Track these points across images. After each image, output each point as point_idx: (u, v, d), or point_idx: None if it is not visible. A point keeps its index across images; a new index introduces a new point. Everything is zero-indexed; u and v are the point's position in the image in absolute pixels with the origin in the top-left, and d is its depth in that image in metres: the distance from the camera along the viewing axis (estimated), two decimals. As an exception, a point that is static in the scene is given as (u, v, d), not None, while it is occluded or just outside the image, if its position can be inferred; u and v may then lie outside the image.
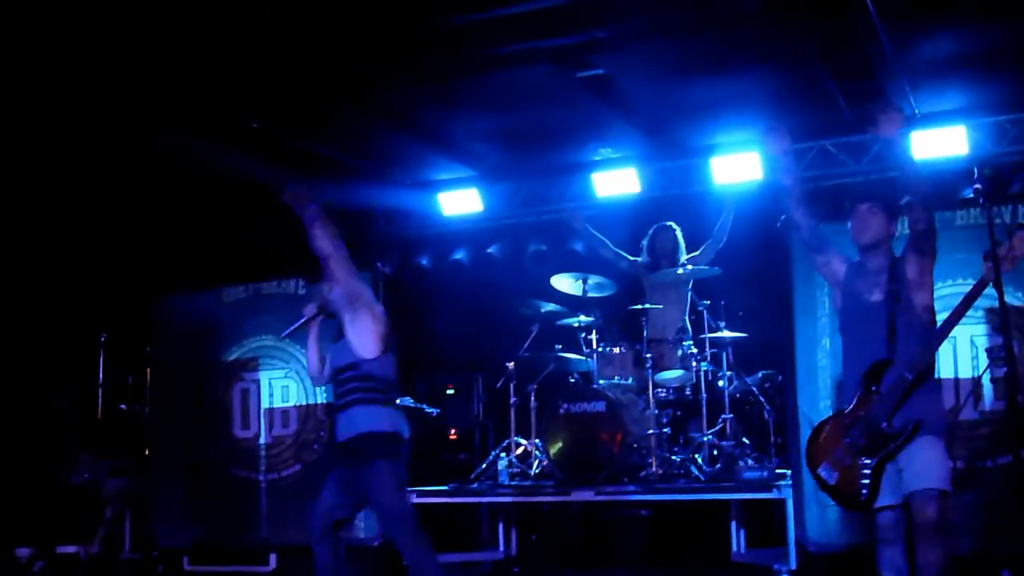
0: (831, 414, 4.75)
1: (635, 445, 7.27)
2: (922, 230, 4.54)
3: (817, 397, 6.30)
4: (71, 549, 8.48)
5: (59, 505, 8.60)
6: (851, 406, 4.51)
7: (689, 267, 7.83)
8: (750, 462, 7.14)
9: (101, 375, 9.21)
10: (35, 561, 8.44)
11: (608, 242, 8.34)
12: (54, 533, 8.57)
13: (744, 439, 7.48)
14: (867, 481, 4.37)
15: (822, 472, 4.53)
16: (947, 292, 5.94)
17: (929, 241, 4.57)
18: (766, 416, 7.57)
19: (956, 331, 5.81)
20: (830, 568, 6.30)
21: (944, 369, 5.93)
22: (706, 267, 7.84)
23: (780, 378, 7.36)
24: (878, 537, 4.46)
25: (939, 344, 4.53)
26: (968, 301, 4.37)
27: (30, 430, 8.79)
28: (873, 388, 4.43)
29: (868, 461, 4.37)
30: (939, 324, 4.49)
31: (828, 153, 8.77)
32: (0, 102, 7.01)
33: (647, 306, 7.72)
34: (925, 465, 4.31)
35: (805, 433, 6.23)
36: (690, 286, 8.11)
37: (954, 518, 5.74)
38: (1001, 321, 4.12)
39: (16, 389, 8.83)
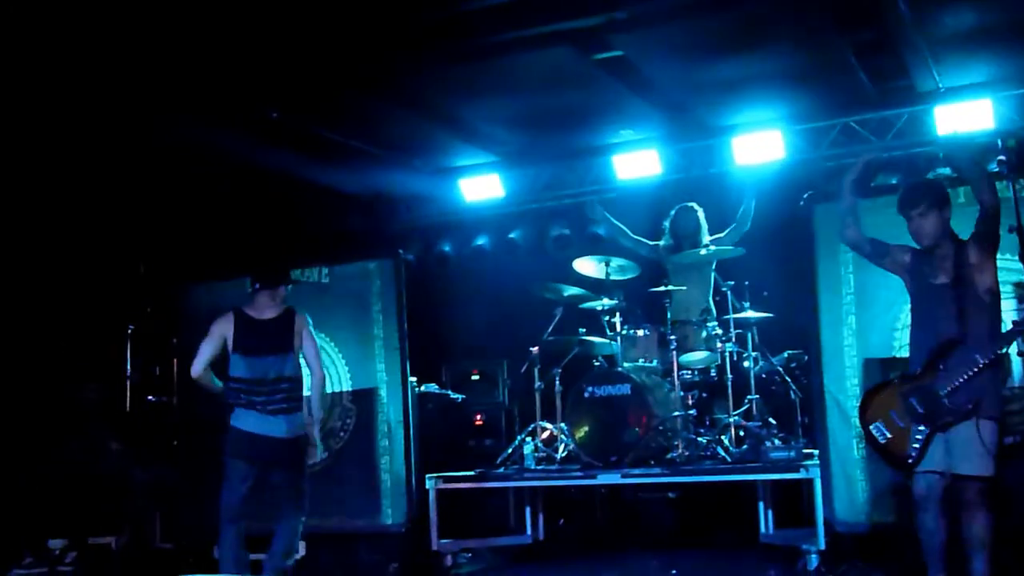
0: (893, 377, 5.05)
1: (661, 427, 7.26)
2: (990, 216, 4.78)
3: (843, 376, 6.27)
4: (103, 540, 8.56)
5: (90, 496, 8.67)
6: (915, 375, 4.83)
7: (712, 248, 7.79)
8: (777, 442, 7.11)
9: (129, 367, 9.28)
10: (67, 552, 8.51)
11: (627, 230, 8.30)
12: (86, 524, 8.64)
13: (770, 419, 7.45)
14: (917, 447, 4.71)
15: (874, 430, 4.90)
16: (974, 267, 5.88)
17: (994, 226, 4.77)
18: (792, 396, 7.54)
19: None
20: (859, 548, 6.27)
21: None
22: (729, 247, 7.80)
23: (806, 358, 7.32)
24: (915, 499, 4.80)
25: (997, 336, 4.77)
26: None
27: (60, 423, 8.86)
28: (941, 363, 4.70)
29: (922, 428, 4.71)
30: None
31: (851, 130, 8.69)
32: (28, 94, 7.06)
33: (670, 288, 7.69)
34: (973, 450, 4.60)
35: (832, 412, 6.25)
36: (713, 267, 8.07)
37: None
38: (1026, 294, 4.06)
39: (45, 382, 8.90)
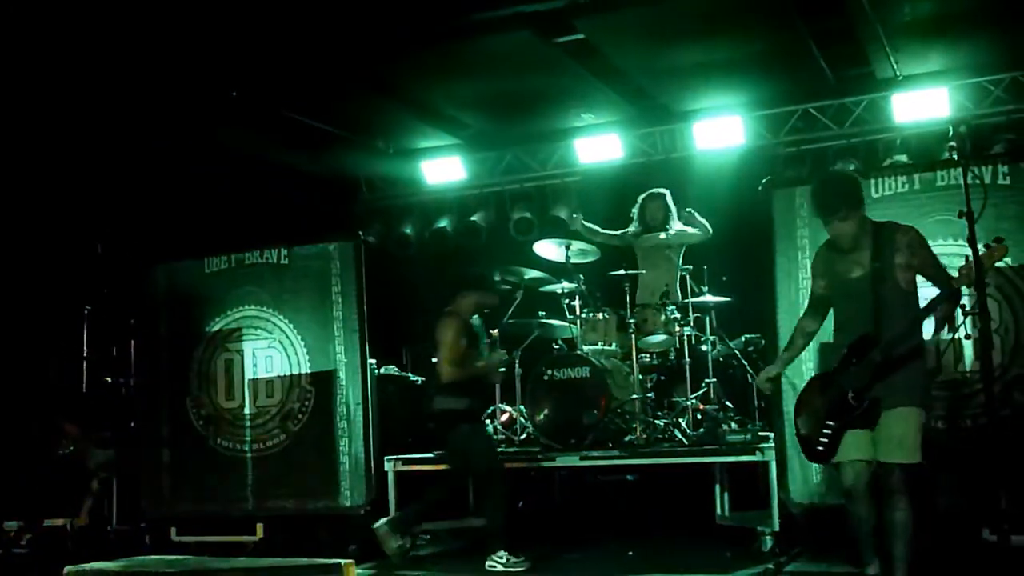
0: (821, 374, 5.04)
1: (619, 410, 7.30)
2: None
3: (799, 361, 6.28)
4: (59, 521, 8.49)
5: (45, 478, 8.60)
6: (835, 370, 4.74)
7: (672, 231, 7.83)
8: (733, 425, 7.18)
9: (86, 347, 9.19)
10: (23, 534, 8.45)
11: (599, 228, 8.28)
12: (41, 506, 8.57)
13: (727, 403, 7.51)
14: (825, 440, 4.68)
15: (799, 422, 4.89)
16: (927, 254, 5.96)
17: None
18: (749, 380, 7.60)
19: (936, 291, 5.88)
20: (813, 529, 6.34)
21: (925, 330, 5.93)
22: (688, 231, 7.83)
23: (763, 342, 7.38)
24: (843, 488, 4.75)
25: (915, 327, 4.63)
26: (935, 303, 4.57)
27: (15, 403, 8.77)
28: (854, 360, 4.62)
29: (831, 423, 4.68)
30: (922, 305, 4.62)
31: (811, 116, 8.78)
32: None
33: (628, 272, 7.71)
34: (893, 437, 4.55)
35: (787, 396, 6.30)
36: (682, 251, 8.05)
37: (937, 479, 5.82)
38: (976, 279, 4.11)
39: (3, 363, 8.80)
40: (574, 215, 8.36)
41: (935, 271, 4.67)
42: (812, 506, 6.22)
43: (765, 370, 5.26)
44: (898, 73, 8.16)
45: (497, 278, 7.29)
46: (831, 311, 4.97)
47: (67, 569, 4.28)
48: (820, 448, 4.72)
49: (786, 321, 6.35)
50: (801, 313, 5.30)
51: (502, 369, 7.06)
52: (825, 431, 4.70)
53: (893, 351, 4.54)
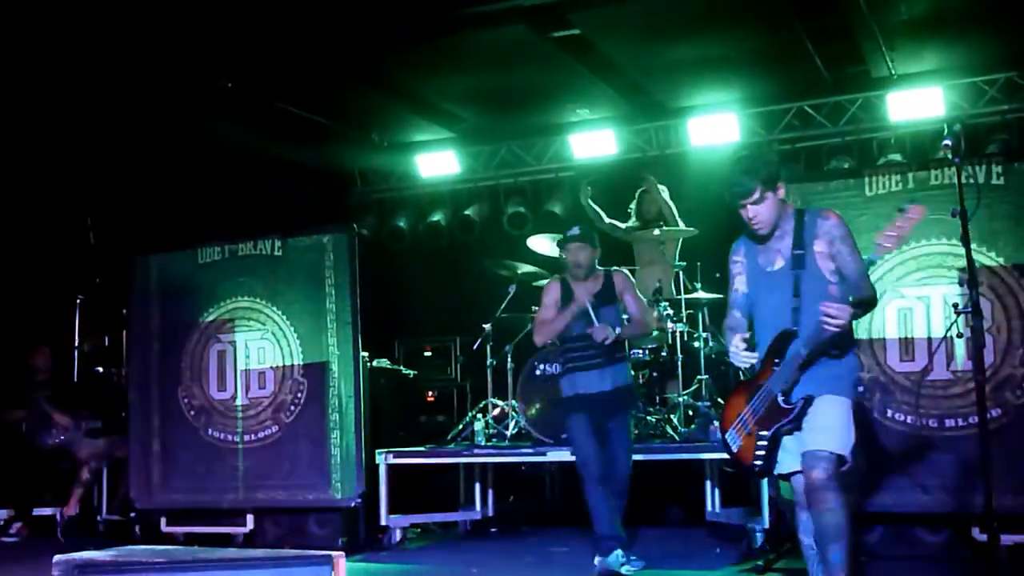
0: (744, 381, 4.50)
1: (611, 406, 7.30)
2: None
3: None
4: (48, 511, 8.49)
5: (36, 467, 8.59)
6: (758, 374, 4.28)
7: (663, 227, 7.82)
8: (725, 422, 7.18)
9: (77, 337, 9.17)
10: (12, 523, 8.45)
11: (603, 214, 8.28)
12: (31, 495, 8.56)
13: (719, 399, 7.51)
14: (762, 452, 4.19)
15: (728, 437, 4.38)
16: (921, 252, 5.97)
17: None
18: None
19: (928, 290, 5.91)
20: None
21: (917, 328, 5.97)
22: (680, 228, 7.83)
23: (756, 340, 7.38)
24: (795, 501, 4.31)
25: (828, 314, 4.02)
26: None
27: (6, 392, 8.75)
28: (776, 360, 4.19)
29: (764, 433, 4.19)
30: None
31: (806, 114, 8.79)
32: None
33: (618, 268, 7.69)
34: (819, 427, 4.13)
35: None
36: (678, 247, 8.05)
37: (923, 478, 5.83)
38: (969, 277, 4.10)
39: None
40: (588, 186, 8.29)
41: (852, 268, 4.15)
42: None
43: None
44: (893, 72, 8.17)
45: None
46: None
47: (56, 558, 4.27)
48: (758, 462, 4.21)
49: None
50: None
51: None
52: (760, 443, 4.20)
53: (818, 345, 4.09)
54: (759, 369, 4.27)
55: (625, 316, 6.32)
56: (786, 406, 4.15)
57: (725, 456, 4.94)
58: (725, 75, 8.24)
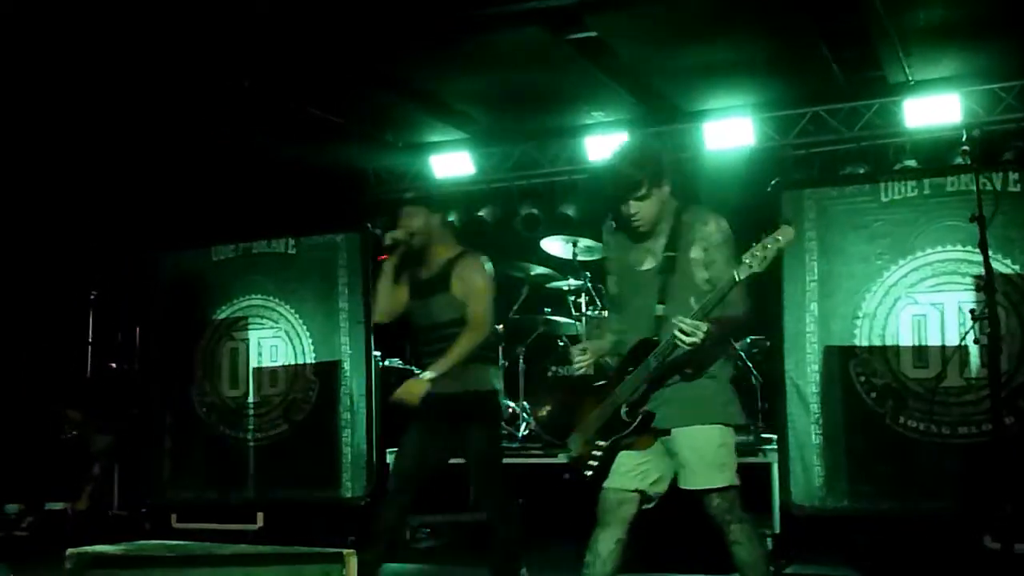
0: (595, 384, 4.13)
1: (622, 408, 7.29)
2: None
3: (804, 362, 6.32)
4: (59, 505, 8.51)
5: (47, 462, 8.62)
6: (610, 380, 4.01)
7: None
8: (736, 426, 7.15)
9: (91, 333, 9.20)
10: (24, 517, 8.47)
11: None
12: (42, 489, 8.59)
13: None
14: (594, 463, 3.95)
15: (570, 441, 4.16)
16: (936, 258, 5.96)
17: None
18: (753, 381, 7.58)
19: (943, 297, 5.89)
20: (814, 532, 6.34)
21: (931, 335, 5.95)
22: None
23: (768, 343, 7.37)
24: (597, 516, 4.03)
25: (681, 330, 3.66)
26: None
27: (20, 387, 8.79)
28: (630, 368, 3.89)
29: (601, 443, 3.94)
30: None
31: (821, 119, 8.76)
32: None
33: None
34: (689, 463, 3.89)
35: (792, 398, 6.30)
36: None
37: (936, 485, 5.81)
38: (986, 284, 4.09)
39: (6, 346, 8.81)
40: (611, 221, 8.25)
41: (721, 280, 3.77)
42: (813, 509, 6.22)
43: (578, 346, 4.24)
44: (910, 78, 8.14)
45: None
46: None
47: (69, 551, 4.28)
48: (589, 472, 3.96)
49: (791, 323, 6.36)
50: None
51: None
52: (595, 452, 3.94)
53: (674, 358, 3.78)
54: (612, 376, 4.00)
55: None
56: (626, 419, 3.87)
57: None
58: (740, 79, 8.22)
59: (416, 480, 5.18)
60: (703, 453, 3.87)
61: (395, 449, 7.37)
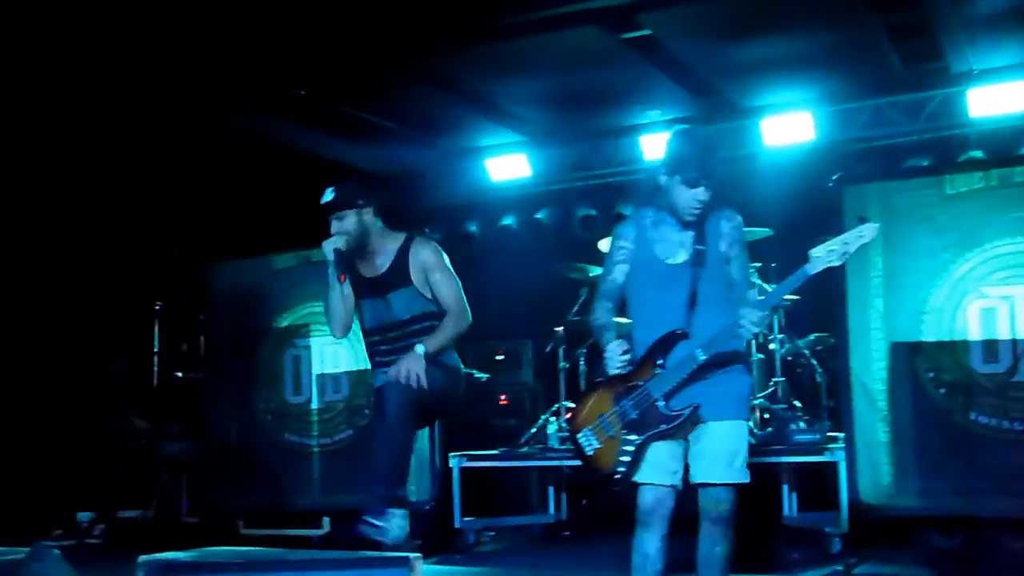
0: (607, 378, 4.06)
1: (685, 409, 7.23)
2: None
3: (870, 359, 6.22)
4: (130, 513, 8.65)
5: (118, 471, 8.76)
6: (631, 373, 3.96)
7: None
8: (802, 425, 7.08)
9: (156, 343, 9.35)
10: (96, 525, 8.62)
11: None
12: (114, 498, 8.73)
13: (795, 402, 7.41)
14: (627, 459, 3.90)
15: (582, 438, 4.03)
16: (1005, 251, 5.82)
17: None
18: (818, 379, 7.50)
19: (1013, 290, 5.77)
20: (883, 532, 6.24)
21: (1001, 329, 5.82)
22: (754, 228, 7.74)
23: (832, 340, 7.27)
24: (637, 517, 4.00)
25: (752, 321, 3.75)
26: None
27: (90, 398, 8.95)
28: (660, 360, 3.90)
29: (633, 438, 3.89)
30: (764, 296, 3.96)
31: (883, 112, 8.63)
32: (60, 71, 7.11)
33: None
34: (724, 454, 3.91)
35: (858, 396, 6.21)
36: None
37: (1009, 482, 5.68)
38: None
39: (76, 358, 8.98)
40: None
41: (744, 276, 4.00)
42: (883, 508, 6.12)
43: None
44: (973, 67, 7.99)
45: None
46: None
47: (140, 559, 4.35)
48: (621, 468, 3.91)
49: (856, 319, 6.26)
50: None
51: None
52: (626, 448, 3.90)
53: (724, 351, 3.85)
54: (633, 369, 3.94)
55: None
56: (668, 412, 3.86)
57: (801, 459, 4.60)
58: (798, 73, 8.13)
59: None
60: (732, 447, 3.92)
61: (457, 453, 7.46)
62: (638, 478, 3.93)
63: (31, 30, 6.52)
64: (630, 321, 4.18)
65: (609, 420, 3.96)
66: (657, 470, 3.93)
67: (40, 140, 8.04)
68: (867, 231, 3.70)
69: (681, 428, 3.88)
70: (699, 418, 3.89)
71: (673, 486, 3.97)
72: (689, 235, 3.99)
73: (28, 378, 8.61)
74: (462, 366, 5.15)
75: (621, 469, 3.92)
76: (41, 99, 7.53)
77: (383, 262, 4.90)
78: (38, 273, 8.66)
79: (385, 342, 4.90)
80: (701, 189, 3.90)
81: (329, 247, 4.79)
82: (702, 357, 3.81)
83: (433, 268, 4.86)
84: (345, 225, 4.83)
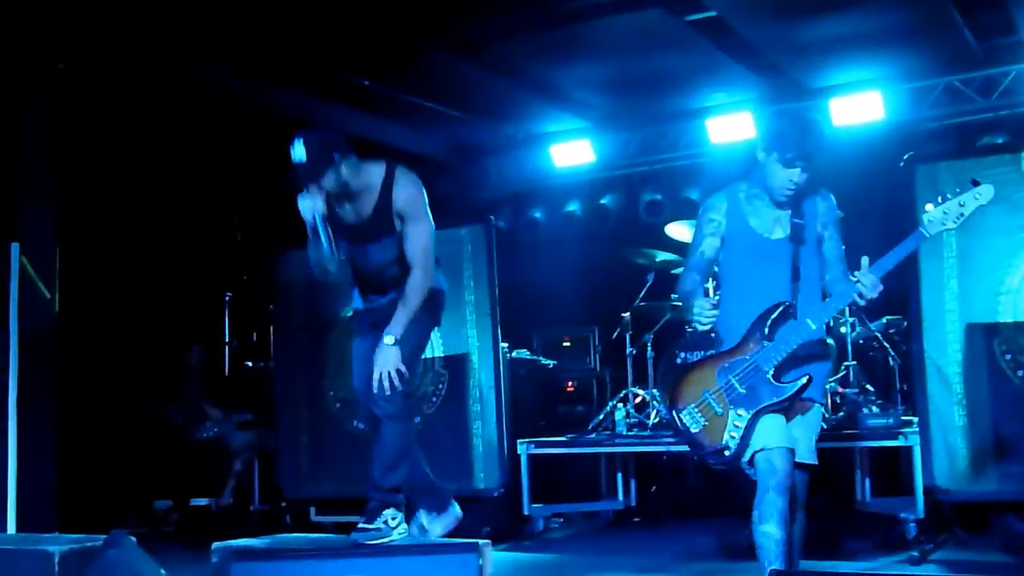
0: (706, 355, 4.06)
1: (755, 394, 7.16)
2: None
3: (944, 341, 6.09)
4: (203, 501, 8.79)
5: (192, 460, 8.90)
6: (733, 348, 3.94)
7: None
8: (875, 409, 6.95)
9: (227, 333, 9.48)
10: (171, 513, 8.77)
11: None
12: (188, 486, 8.88)
13: (868, 386, 7.29)
14: (736, 435, 3.83)
15: (686, 416, 3.95)
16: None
17: None
18: (891, 363, 7.37)
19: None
20: (960, 517, 6.13)
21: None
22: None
23: (905, 323, 7.14)
24: (775, 482, 3.81)
25: (868, 287, 3.80)
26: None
27: (164, 389, 9.10)
28: (766, 332, 3.86)
29: (743, 412, 3.84)
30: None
31: (955, 89, 8.44)
32: (129, 66, 7.24)
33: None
34: (804, 437, 3.93)
35: (932, 379, 6.09)
36: None
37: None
38: None
39: (149, 349, 9.13)
40: None
41: (839, 255, 4.05)
42: (959, 493, 6.00)
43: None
44: (1049, 42, 7.79)
45: None
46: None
47: (214, 545, 4.42)
48: (731, 443, 3.83)
49: (930, 301, 6.14)
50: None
51: None
52: (736, 422, 3.83)
53: (815, 323, 3.86)
54: (734, 344, 3.92)
55: None
56: (780, 384, 3.83)
57: (874, 444, 4.38)
58: (867, 51, 7.98)
59: None
60: (815, 429, 3.97)
61: (526, 440, 7.46)
62: (760, 445, 3.83)
63: (109, 34, 6.65)
64: (718, 295, 4.15)
65: (715, 396, 3.91)
66: (772, 435, 3.84)
67: (114, 137, 8.18)
68: (984, 192, 3.71)
69: (791, 400, 3.85)
70: (799, 397, 3.86)
71: (791, 448, 3.86)
72: (785, 212, 4.00)
73: (106, 370, 8.77)
74: (442, 283, 4.92)
75: (731, 444, 3.85)
76: (115, 96, 7.67)
77: (366, 205, 4.57)
78: (115, 268, 8.81)
79: (371, 279, 4.81)
80: (797, 170, 3.89)
81: (308, 211, 4.52)
82: (814, 327, 3.83)
83: (409, 218, 4.56)
84: (324, 184, 4.45)
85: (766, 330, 3.87)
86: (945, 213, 3.73)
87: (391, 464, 4.70)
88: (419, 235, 4.57)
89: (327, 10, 6.75)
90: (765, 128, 4.11)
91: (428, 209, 4.61)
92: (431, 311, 4.82)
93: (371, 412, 4.71)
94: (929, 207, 3.78)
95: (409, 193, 4.54)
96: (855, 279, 3.78)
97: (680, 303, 7.72)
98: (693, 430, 3.95)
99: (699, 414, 3.94)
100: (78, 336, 7.94)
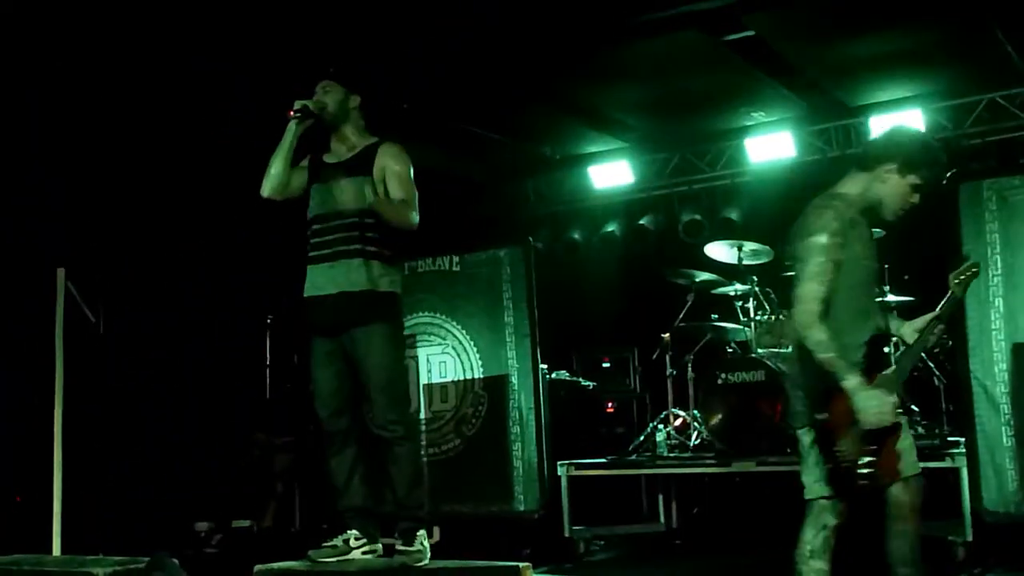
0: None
1: (797, 415, 7.10)
2: None
3: (991, 361, 6.02)
4: (245, 523, 8.82)
5: (234, 481, 8.95)
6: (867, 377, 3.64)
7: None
8: (920, 430, 6.86)
9: (268, 356, 9.53)
10: (213, 535, 8.81)
11: None
12: (229, 508, 8.92)
13: (913, 407, 7.19)
14: (867, 467, 3.64)
15: (842, 446, 3.68)
16: None
17: None
18: (936, 383, 7.27)
19: None
20: (1009, 540, 6.02)
21: None
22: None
23: (950, 343, 7.05)
24: (911, 510, 3.80)
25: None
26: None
27: (207, 410, 9.15)
28: (877, 360, 3.70)
29: (872, 447, 3.63)
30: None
31: (998, 106, 8.35)
32: (177, 85, 7.33)
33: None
34: (911, 449, 3.80)
35: (979, 399, 6.02)
36: None
37: None
38: None
39: (192, 372, 9.20)
40: None
41: None
42: (1008, 516, 5.91)
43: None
44: (1093, 57, 7.69)
45: None
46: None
47: (256, 568, 4.43)
48: (867, 472, 3.64)
49: (976, 320, 6.07)
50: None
51: None
52: (867, 458, 3.63)
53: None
54: (865, 370, 3.63)
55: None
56: (912, 409, 3.87)
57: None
58: (908, 69, 7.92)
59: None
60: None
61: (566, 462, 7.43)
62: (905, 472, 3.75)
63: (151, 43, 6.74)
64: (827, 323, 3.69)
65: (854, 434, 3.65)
66: (912, 459, 3.79)
67: (153, 159, 8.28)
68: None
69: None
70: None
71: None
72: (873, 240, 3.82)
73: (150, 391, 8.85)
74: (398, 288, 4.93)
75: (866, 475, 3.66)
76: (154, 115, 7.76)
77: (348, 151, 4.75)
78: (159, 291, 8.90)
79: (326, 231, 4.72)
80: (918, 196, 3.76)
81: (300, 102, 4.65)
82: (918, 350, 3.89)
83: (394, 175, 4.66)
84: (329, 95, 4.69)
85: (877, 357, 3.72)
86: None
87: (413, 480, 4.76)
88: (404, 186, 4.65)
89: (369, 30, 6.81)
90: (905, 146, 3.77)
91: (412, 174, 4.73)
92: (399, 317, 4.96)
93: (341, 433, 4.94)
94: None
95: (394, 152, 4.69)
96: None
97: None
98: (844, 462, 3.73)
99: (853, 443, 3.69)
100: (120, 358, 8.02)
